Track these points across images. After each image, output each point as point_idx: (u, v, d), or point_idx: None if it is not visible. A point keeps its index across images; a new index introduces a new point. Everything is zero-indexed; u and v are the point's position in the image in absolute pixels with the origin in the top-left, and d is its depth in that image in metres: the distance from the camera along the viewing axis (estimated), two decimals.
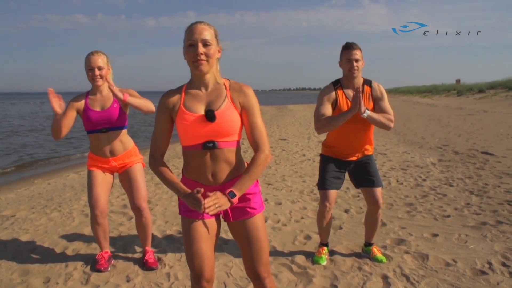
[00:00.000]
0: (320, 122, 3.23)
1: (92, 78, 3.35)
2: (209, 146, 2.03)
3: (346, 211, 5.01)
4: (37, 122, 26.73)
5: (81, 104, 3.44)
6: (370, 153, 3.50)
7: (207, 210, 1.87)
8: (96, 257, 3.61)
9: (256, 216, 2.16)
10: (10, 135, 18.88)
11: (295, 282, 3.21)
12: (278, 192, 6.06)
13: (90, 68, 3.32)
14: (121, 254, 3.87)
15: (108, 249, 3.64)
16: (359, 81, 3.34)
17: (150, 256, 3.64)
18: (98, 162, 3.50)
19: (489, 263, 3.39)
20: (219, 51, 2.11)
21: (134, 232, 4.44)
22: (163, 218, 4.97)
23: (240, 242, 2.21)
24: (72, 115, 3.40)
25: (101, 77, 3.35)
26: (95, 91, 3.45)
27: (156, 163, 2.12)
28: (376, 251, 3.62)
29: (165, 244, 4.07)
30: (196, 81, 2.12)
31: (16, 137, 18.12)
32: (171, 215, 5.04)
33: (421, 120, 17.01)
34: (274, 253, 3.77)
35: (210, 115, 2.00)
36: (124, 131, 3.53)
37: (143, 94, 3.48)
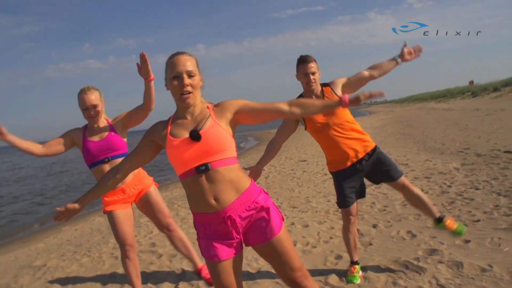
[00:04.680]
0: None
1: (89, 117, 3.38)
2: (202, 169, 2.05)
3: (374, 226, 4.95)
4: (52, 168, 27.14)
5: (78, 137, 3.46)
6: (373, 146, 3.45)
7: None
8: None
9: (279, 234, 2.16)
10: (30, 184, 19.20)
11: None
12: (304, 214, 6.03)
13: (85, 108, 3.34)
14: None
15: None
16: (317, 89, 3.42)
17: (207, 272, 3.62)
18: (113, 196, 3.45)
19: None
20: (201, 80, 2.20)
21: (166, 269, 4.48)
22: None
23: (269, 259, 2.22)
24: (60, 141, 3.45)
25: (97, 114, 3.39)
26: (92, 125, 3.46)
27: (110, 169, 2.34)
28: (451, 224, 3.45)
29: (197, 278, 4.06)
30: (181, 110, 2.20)
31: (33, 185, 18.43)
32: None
33: (439, 126, 16.82)
34: None
35: (194, 135, 2.06)
36: None
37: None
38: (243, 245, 2.22)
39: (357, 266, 3.59)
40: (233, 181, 2.09)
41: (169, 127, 2.18)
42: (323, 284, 3.52)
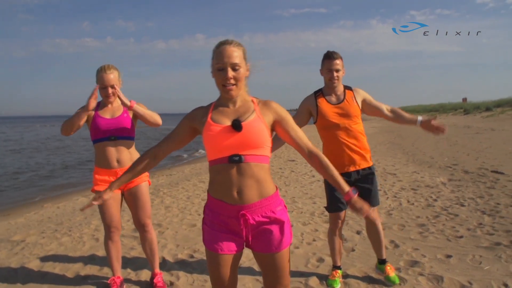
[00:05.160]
0: None
1: (105, 96, 3.37)
2: (235, 159, 2.03)
3: (358, 232, 4.97)
4: (46, 144, 26.90)
5: (91, 111, 3.43)
6: (370, 164, 3.46)
7: None
8: (108, 281, 3.60)
9: (283, 250, 2.14)
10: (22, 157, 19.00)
11: None
12: (289, 214, 5.99)
13: (103, 87, 3.31)
14: (133, 279, 3.86)
15: (120, 273, 3.62)
16: (339, 88, 3.42)
17: (159, 280, 3.62)
18: (105, 175, 3.42)
19: (505, 285, 3.34)
20: (247, 70, 2.16)
21: None
22: (174, 242, 4.95)
23: (264, 269, 2.20)
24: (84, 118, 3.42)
25: (114, 94, 3.37)
26: (107, 103, 3.46)
27: (146, 152, 2.29)
28: (389, 271, 3.56)
29: (177, 268, 4.06)
30: (224, 99, 2.17)
31: (27, 158, 18.22)
32: (182, 239, 5.03)
33: (429, 139, 16.93)
34: None
35: (236, 124, 2.03)
36: (132, 143, 3.52)
37: None
38: (245, 244, 2.19)
39: (339, 271, 3.59)
40: (260, 181, 2.07)
41: (210, 113, 2.16)
42: (303, 286, 3.52)
